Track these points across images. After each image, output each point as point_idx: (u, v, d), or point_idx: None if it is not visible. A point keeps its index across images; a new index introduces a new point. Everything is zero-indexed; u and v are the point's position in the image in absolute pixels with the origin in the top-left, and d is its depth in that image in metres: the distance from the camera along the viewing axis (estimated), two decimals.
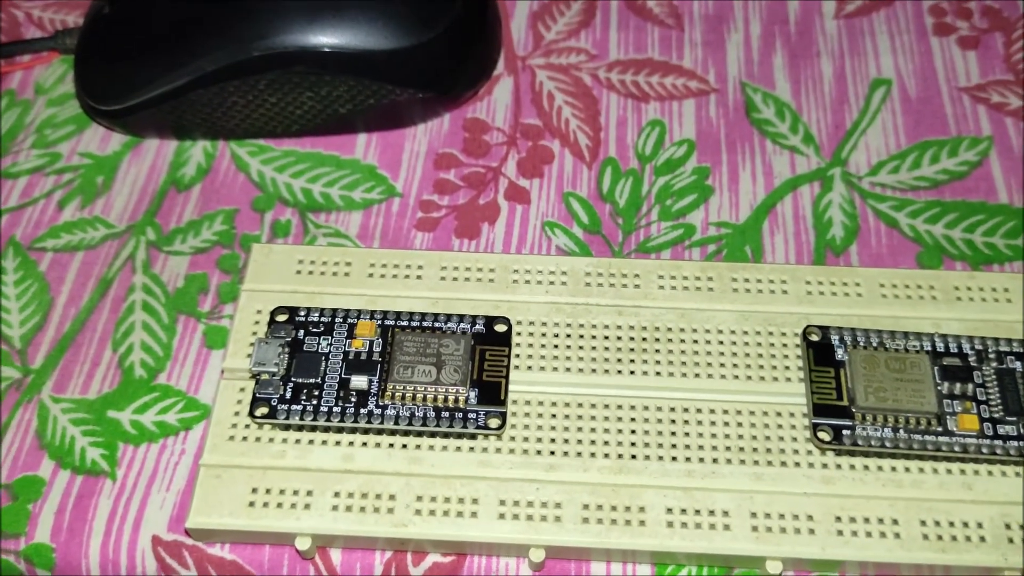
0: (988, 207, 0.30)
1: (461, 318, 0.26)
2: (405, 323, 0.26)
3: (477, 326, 0.26)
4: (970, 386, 0.25)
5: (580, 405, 0.25)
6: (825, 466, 0.24)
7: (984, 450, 0.24)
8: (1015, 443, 0.24)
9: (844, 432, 0.24)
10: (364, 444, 0.25)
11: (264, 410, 0.24)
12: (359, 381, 0.25)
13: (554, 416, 0.25)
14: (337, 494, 0.24)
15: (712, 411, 0.25)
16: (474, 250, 0.29)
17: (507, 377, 0.25)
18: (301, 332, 0.26)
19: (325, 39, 0.29)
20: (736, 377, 0.25)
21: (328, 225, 0.30)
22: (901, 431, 0.24)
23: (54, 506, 0.25)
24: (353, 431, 0.25)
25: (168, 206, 0.30)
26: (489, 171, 0.31)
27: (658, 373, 0.25)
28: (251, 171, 0.31)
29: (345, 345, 0.25)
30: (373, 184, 0.31)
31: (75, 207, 0.30)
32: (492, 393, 0.25)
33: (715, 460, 0.24)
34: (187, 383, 0.27)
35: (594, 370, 0.26)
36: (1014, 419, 0.24)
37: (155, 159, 0.31)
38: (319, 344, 0.25)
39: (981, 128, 0.31)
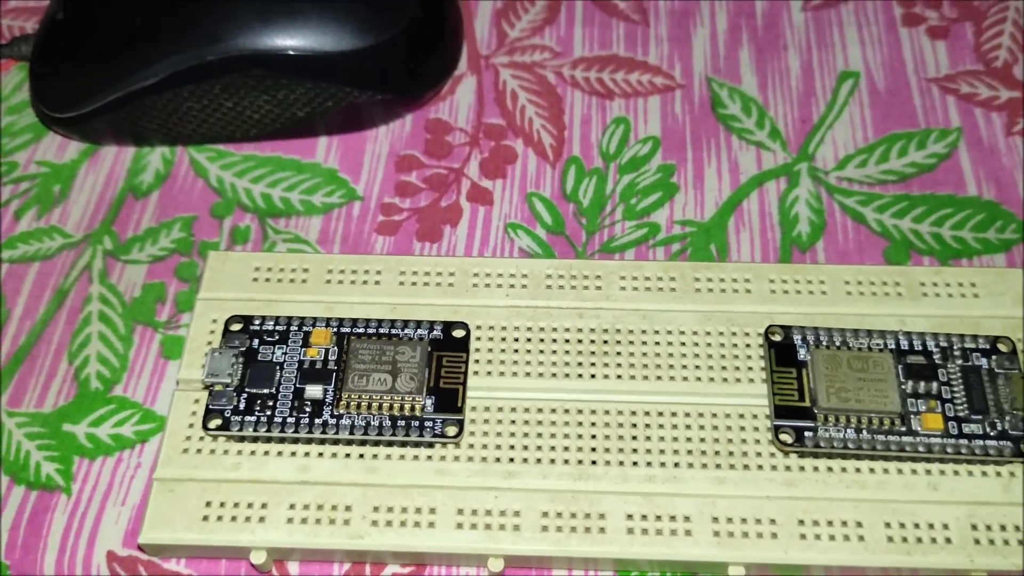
0: (957, 200, 0.29)
1: (418, 324, 0.25)
2: (361, 330, 0.25)
3: (435, 332, 0.25)
4: (935, 384, 0.24)
5: (540, 410, 0.25)
6: (788, 468, 0.24)
7: (949, 450, 0.23)
8: (980, 442, 0.23)
9: (806, 434, 0.24)
10: (320, 455, 0.24)
11: (217, 422, 0.24)
12: (314, 391, 0.24)
13: (513, 422, 0.25)
14: (293, 506, 0.24)
15: (673, 414, 0.25)
16: (436, 253, 0.29)
17: (464, 384, 0.25)
18: (256, 341, 0.25)
19: (279, 42, 0.28)
20: (698, 379, 0.25)
21: (288, 230, 0.29)
22: (864, 432, 0.24)
23: (8, 522, 0.25)
24: (308, 442, 0.24)
25: (126, 214, 0.30)
26: (451, 172, 0.30)
27: (619, 376, 0.25)
28: (210, 177, 0.30)
29: (300, 354, 0.25)
30: (334, 188, 0.30)
31: (32, 217, 0.30)
32: (449, 400, 0.24)
33: (676, 464, 0.24)
34: (143, 395, 0.27)
35: (554, 374, 0.25)
36: (979, 417, 0.24)
37: (113, 166, 0.31)
38: (274, 353, 0.25)
39: (950, 119, 0.31)
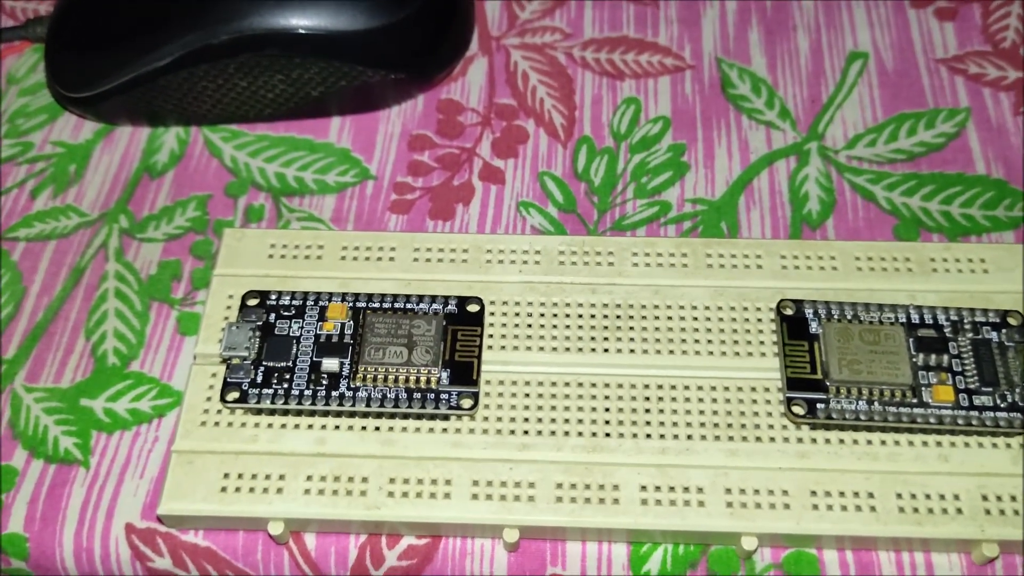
0: (965, 178, 0.29)
1: (433, 299, 0.26)
2: (376, 305, 0.25)
3: (449, 306, 0.26)
4: (945, 357, 0.24)
5: (553, 384, 0.25)
6: (800, 440, 0.24)
7: (960, 421, 0.24)
8: (991, 414, 0.24)
9: (818, 406, 0.24)
10: (336, 427, 0.24)
11: (235, 395, 0.24)
12: (330, 364, 0.25)
13: (527, 395, 0.25)
14: (310, 478, 0.24)
15: (686, 387, 0.25)
16: (448, 232, 0.29)
17: (479, 357, 0.25)
18: (272, 316, 0.25)
19: (294, 21, 0.28)
20: (711, 353, 0.25)
21: (302, 209, 0.30)
22: (876, 403, 0.24)
23: (27, 496, 0.25)
24: (325, 414, 0.24)
25: (141, 193, 0.30)
26: (463, 152, 0.31)
27: (632, 351, 0.25)
28: (224, 156, 0.31)
29: (316, 328, 0.25)
30: (347, 167, 0.30)
31: (47, 196, 0.30)
32: (464, 373, 0.24)
33: (689, 437, 0.24)
34: (160, 370, 0.27)
35: (567, 348, 0.25)
36: (990, 389, 0.24)
37: (128, 146, 0.31)
38: (290, 327, 0.25)
39: (959, 99, 0.31)
